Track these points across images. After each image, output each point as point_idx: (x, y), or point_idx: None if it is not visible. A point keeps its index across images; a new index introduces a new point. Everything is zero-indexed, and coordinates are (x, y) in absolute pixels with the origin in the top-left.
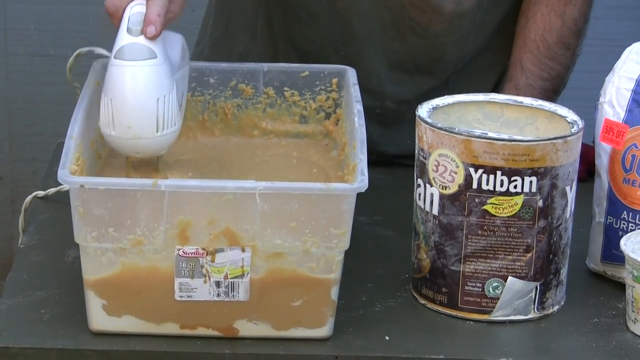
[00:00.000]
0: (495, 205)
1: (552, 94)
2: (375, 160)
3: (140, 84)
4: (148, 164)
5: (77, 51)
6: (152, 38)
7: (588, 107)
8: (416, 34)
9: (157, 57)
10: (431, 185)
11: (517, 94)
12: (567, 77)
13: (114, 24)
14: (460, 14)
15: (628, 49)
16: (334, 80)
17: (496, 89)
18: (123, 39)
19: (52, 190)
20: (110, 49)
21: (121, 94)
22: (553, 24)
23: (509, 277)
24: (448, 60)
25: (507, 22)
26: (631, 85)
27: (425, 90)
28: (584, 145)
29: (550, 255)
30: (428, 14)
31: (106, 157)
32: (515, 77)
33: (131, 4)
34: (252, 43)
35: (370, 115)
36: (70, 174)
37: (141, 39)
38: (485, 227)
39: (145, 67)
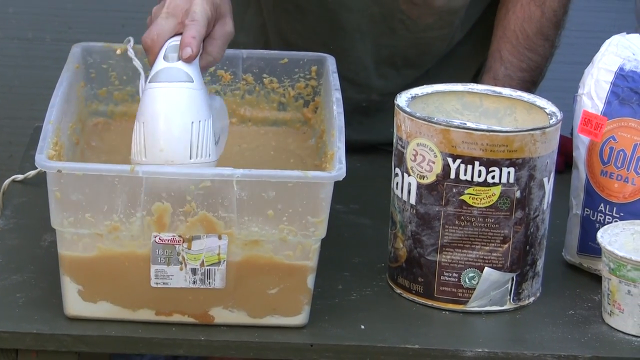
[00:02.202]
0: (472, 196)
1: (530, 86)
2: (357, 146)
3: (174, 104)
4: None
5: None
6: (188, 60)
7: (567, 99)
8: (406, 27)
9: (193, 81)
10: (409, 175)
11: (496, 85)
12: (545, 68)
13: (149, 60)
14: (451, 9)
15: (607, 41)
16: (313, 68)
17: (476, 78)
18: (159, 65)
19: (31, 172)
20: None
21: (154, 115)
22: (533, 15)
23: (486, 268)
24: (435, 53)
25: (487, 12)
26: (610, 77)
27: (410, 82)
28: (562, 137)
29: (527, 247)
30: (419, 7)
31: (85, 142)
32: (494, 67)
33: (169, 40)
34: (239, 32)
35: (355, 107)
36: (47, 159)
37: (178, 64)
38: (462, 218)
39: (181, 89)
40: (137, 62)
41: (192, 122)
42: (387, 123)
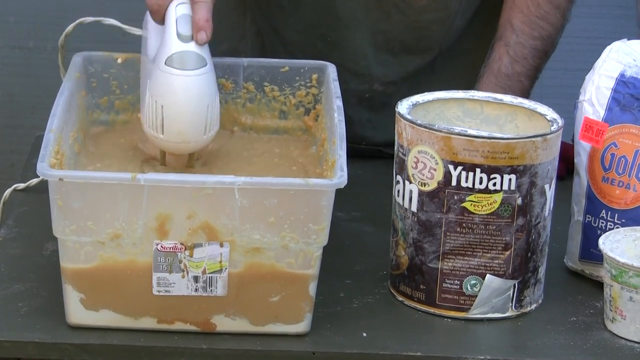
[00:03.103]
0: (474, 203)
1: (542, 55)
2: (362, 152)
3: (193, 94)
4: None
5: (79, 20)
6: (203, 44)
7: (568, 106)
8: (400, 10)
9: (207, 64)
10: (410, 182)
11: (507, 52)
12: (557, 39)
13: (155, 21)
14: None
15: (608, 47)
16: (314, 76)
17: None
18: (174, 44)
19: (33, 181)
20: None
21: (174, 103)
22: None
23: (487, 275)
24: (433, 39)
25: (486, 3)
26: (611, 83)
27: (412, 70)
28: (563, 144)
29: (529, 254)
30: None
31: (86, 147)
32: (505, 35)
33: (174, 2)
34: (239, 41)
35: (359, 100)
36: (49, 167)
37: (192, 46)
38: (463, 225)
39: (198, 77)
40: (131, 29)
41: (208, 105)
42: (393, 120)
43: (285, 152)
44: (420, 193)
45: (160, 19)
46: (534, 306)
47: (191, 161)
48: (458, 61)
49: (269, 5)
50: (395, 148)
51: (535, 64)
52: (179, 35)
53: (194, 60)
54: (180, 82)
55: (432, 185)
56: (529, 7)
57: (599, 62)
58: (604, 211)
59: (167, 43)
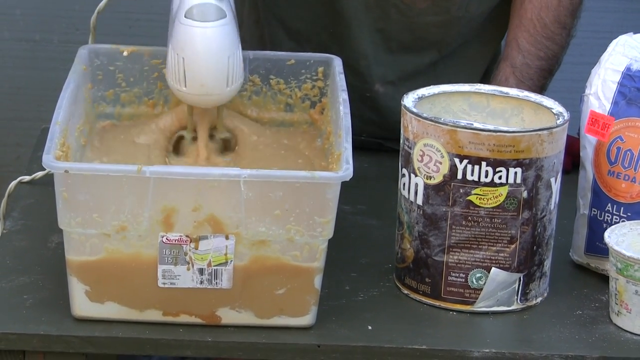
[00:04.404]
0: (479, 196)
1: (547, 74)
2: (364, 145)
3: (213, 44)
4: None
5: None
6: None
7: (574, 99)
8: (400, 11)
9: (226, 16)
10: (416, 175)
11: (514, 73)
12: (561, 57)
13: None
14: None
15: (614, 41)
16: (320, 69)
17: (485, 78)
18: None
19: (39, 173)
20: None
21: (194, 54)
22: (549, 3)
23: (493, 268)
24: (432, 40)
25: (496, 12)
26: (617, 77)
27: (410, 71)
28: (569, 137)
29: (534, 247)
30: None
31: (92, 143)
32: (511, 55)
33: None
34: (240, 28)
35: (361, 99)
36: (55, 159)
37: None
38: (469, 218)
39: (218, 28)
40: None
41: (229, 57)
42: (397, 119)
43: (291, 145)
44: (426, 186)
45: None
46: (539, 299)
47: (218, 116)
48: (461, 67)
49: None
50: (401, 141)
51: (540, 84)
52: None
53: (213, 12)
54: (200, 33)
55: (437, 179)
56: (536, 27)
57: (605, 56)
58: (609, 205)
59: None
